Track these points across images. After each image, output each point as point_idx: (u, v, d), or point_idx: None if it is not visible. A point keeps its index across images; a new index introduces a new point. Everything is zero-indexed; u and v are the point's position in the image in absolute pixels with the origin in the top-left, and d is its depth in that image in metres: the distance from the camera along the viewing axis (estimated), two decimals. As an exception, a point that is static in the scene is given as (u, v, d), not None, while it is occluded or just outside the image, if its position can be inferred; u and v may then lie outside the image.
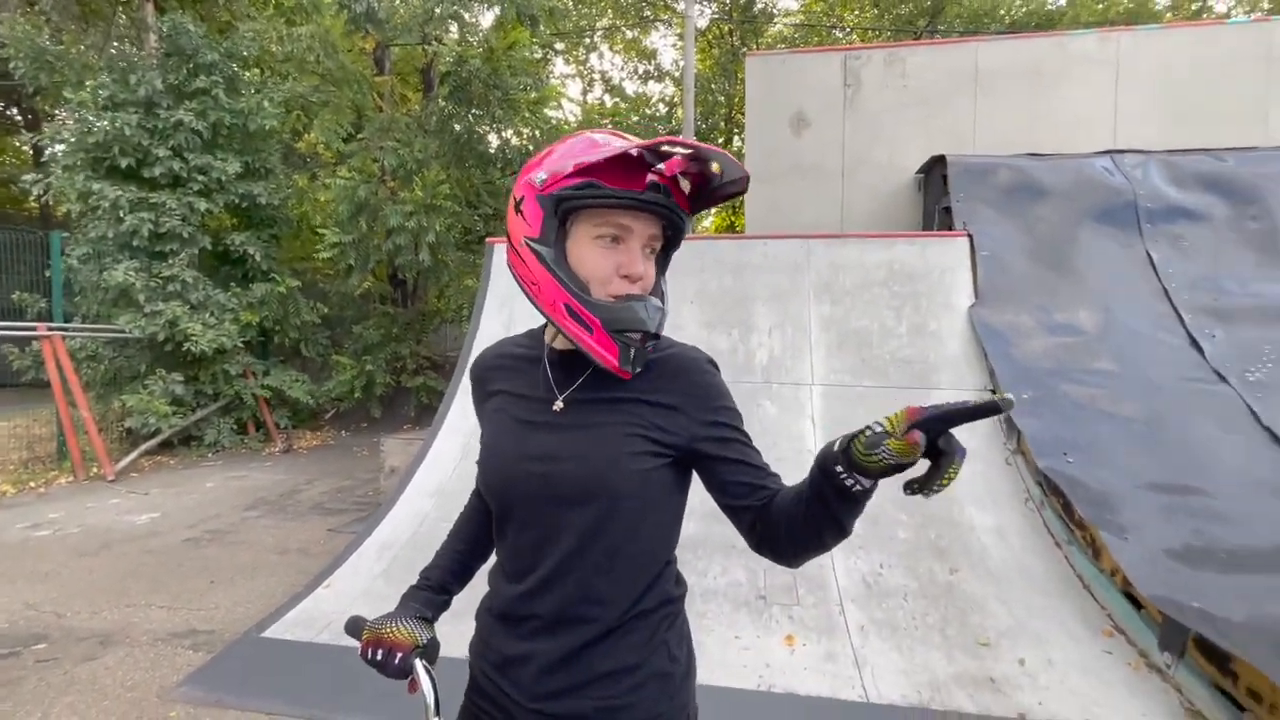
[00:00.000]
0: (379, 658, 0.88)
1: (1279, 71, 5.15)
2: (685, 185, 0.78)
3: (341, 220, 7.12)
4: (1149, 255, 4.40)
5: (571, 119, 11.83)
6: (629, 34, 13.64)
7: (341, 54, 7.24)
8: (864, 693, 2.37)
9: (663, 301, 0.85)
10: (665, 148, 0.73)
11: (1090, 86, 5.44)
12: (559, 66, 13.73)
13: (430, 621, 0.94)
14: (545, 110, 7.83)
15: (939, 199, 5.21)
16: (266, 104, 6.87)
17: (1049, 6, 17.40)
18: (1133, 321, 4.11)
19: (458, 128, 7.72)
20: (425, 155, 7.35)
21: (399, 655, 0.87)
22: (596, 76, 14.23)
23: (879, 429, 0.64)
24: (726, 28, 11.88)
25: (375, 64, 8.36)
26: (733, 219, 11.61)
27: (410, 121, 7.61)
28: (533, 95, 7.43)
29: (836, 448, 0.69)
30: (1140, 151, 4.89)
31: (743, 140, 12.67)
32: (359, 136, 7.70)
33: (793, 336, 4.44)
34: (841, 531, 0.74)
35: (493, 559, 0.98)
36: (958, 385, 4.09)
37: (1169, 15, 17.09)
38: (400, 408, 8.37)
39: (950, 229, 4.80)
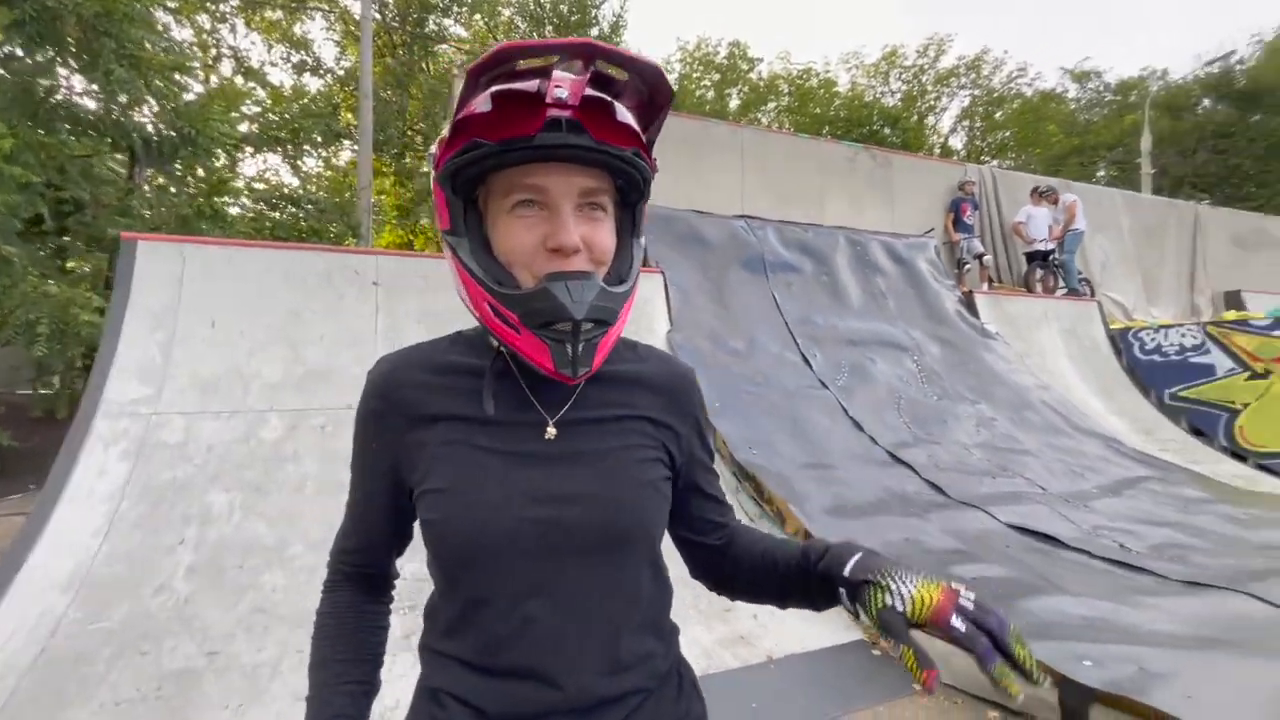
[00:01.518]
0: None
1: (828, 175, 7.57)
2: (623, 111, 0.61)
3: None
4: (774, 296, 5.94)
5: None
6: (273, 15, 11.77)
7: None
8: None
9: (628, 276, 0.67)
10: (521, 62, 0.56)
11: (726, 164, 7.06)
12: (171, 29, 10.94)
13: None
14: (185, 77, 6.20)
15: (632, 239, 6.04)
16: None
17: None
18: (769, 345, 5.48)
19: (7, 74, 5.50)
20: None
21: None
22: (227, 51, 11.83)
23: (900, 608, 0.59)
24: (399, 38, 11.32)
25: None
26: (410, 237, 11.05)
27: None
28: (165, 58, 5.81)
29: (848, 574, 0.66)
30: (761, 218, 6.56)
31: (416, 157, 12.24)
32: None
33: (525, 359, 4.56)
34: (814, 610, 0.74)
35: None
36: (664, 399, 4.81)
37: (731, 116, 23.07)
38: (-99, 475, 5.43)
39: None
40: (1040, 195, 8.30)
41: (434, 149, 0.65)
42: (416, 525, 0.72)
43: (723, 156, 7.08)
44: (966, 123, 26.74)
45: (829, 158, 7.69)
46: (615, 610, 0.67)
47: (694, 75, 24.24)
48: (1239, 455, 6.32)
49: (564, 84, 0.57)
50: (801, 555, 0.72)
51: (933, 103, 25.96)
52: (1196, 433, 6.71)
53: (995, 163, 24.14)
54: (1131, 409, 6.85)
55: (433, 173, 0.65)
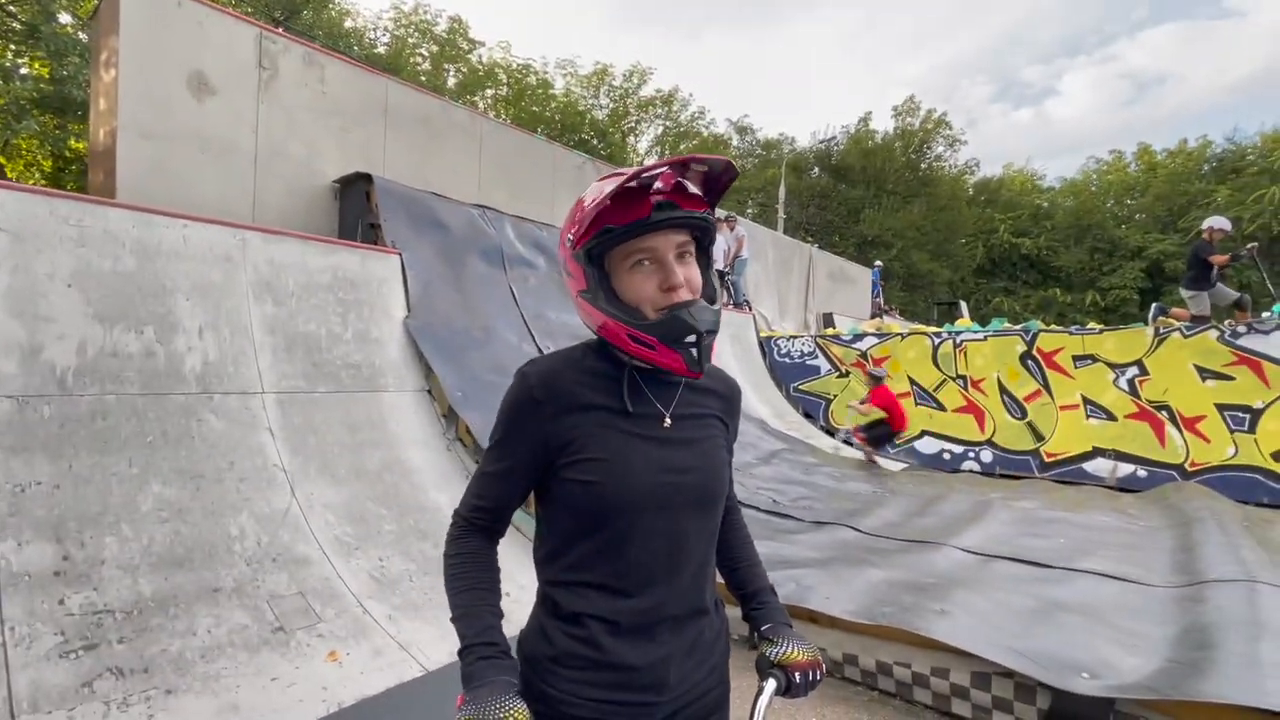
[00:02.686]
0: None
1: (560, 179, 8.03)
2: (692, 186, 0.89)
3: None
4: (511, 288, 6.12)
5: None
6: None
7: None
8: (422, 666, 2.64)
9: (716, 297, 0.93)
10: (645, 176, 0.83)
11: (464, 150, 6.94)
12: None
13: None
14: None
15: (362, 214, 5.53)
16: None
17: (377, 50, 19.79)
18: (508, 335, 5.66)
19: None
20: None
21: None
22: None
23: (771, 657, 0.98)
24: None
25: None
26: (2, 163, 7.87)
27: None
28: None
29: (761, 630, 1.03)
30: (498, 211, 6.66)
31: (10, 41, 8.81)
32: None
33: (231, 339, 3.87)
34: None
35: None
36: (400, 387, 4.60)
37: (449, 95, 22.32)
38: None
39: (378, 244, 5.23)
40: (721, 222, 10.17)
41: (570, 235, 0.90)
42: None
43: (461, 142, 6.96)
44: (658, 149, 30.61)
45: (561, 162, 8.16)
46: (705, 547, 0.97)
47: (410, 40, 22.58)
48: (830, 432, 8.83)
49: (660, 178, 0.85)
50: (751, 594, 1.08)
51: (634, 125, 29.03)
52: (807, 416, 9.14)
53: (679, 188, 28.17)
54: (772, 399, 8.96)
55: (568, 251, 0.91)
